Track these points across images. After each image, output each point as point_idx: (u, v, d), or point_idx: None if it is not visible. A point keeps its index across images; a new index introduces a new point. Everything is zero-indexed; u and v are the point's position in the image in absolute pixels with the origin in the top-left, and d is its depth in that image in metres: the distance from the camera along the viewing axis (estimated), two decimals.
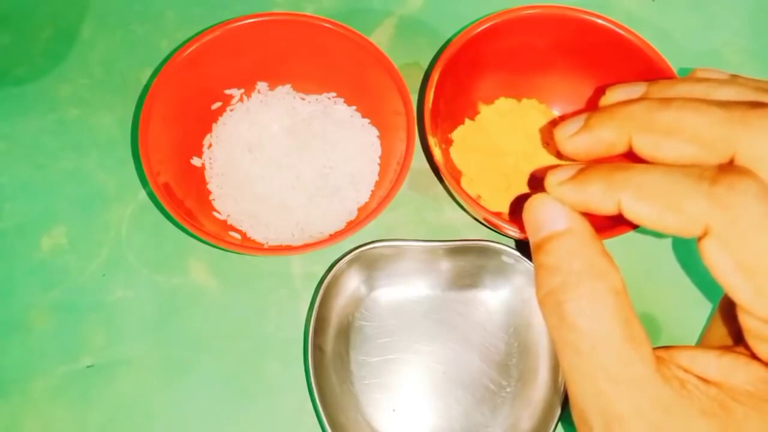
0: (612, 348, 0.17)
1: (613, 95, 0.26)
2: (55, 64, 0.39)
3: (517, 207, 0.35)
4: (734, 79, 0.22)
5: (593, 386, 0.17)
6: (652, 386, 0.17)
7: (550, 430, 0.30)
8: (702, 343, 0.21)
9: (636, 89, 0.24)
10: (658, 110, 0.20)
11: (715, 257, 0.17)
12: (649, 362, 0.17)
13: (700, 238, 0.17)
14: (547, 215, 0.20)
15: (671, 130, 0.19)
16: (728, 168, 0.17)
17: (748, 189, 0.16)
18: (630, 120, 0.21)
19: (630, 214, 0.18)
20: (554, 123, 0.36)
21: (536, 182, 0.36)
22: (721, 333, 0.21)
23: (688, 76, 0.24)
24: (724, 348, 0.19)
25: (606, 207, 0.19)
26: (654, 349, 0.18)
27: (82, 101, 0.38)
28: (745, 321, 0.18)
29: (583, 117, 0.23)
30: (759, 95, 0.20)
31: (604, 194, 0.19)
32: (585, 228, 0.19)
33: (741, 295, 0.17)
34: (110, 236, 0.35)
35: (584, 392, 0.18)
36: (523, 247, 0.34)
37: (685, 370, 0.18)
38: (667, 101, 0.20)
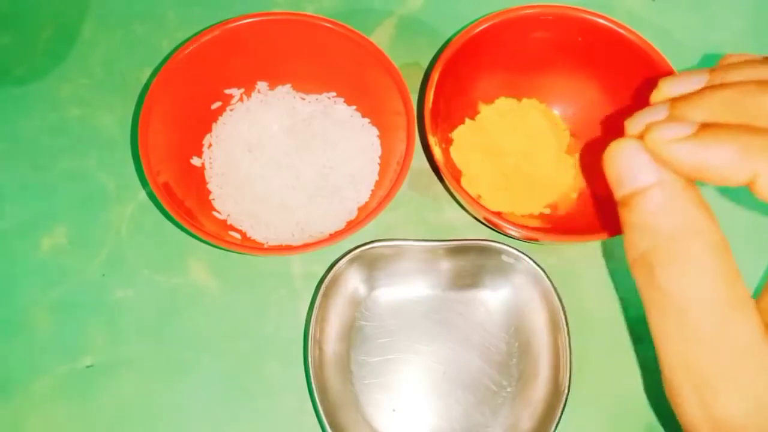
0: (711, 313, 0.15)
1: (670, 86, 0.21)
2: (56, 64, 0.39)
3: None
4: None
5: (685, 351, 0.16)
6: (758, 355, 0.15)
7: (550, 430, 0.30)
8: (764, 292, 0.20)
9: (698, 79, 0.20)
10: None
11: None
12: (755, 329, 0.15)
13: None
14: (633, 166, 0.17)
15: None
16: None
17: None
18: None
19: (766, 192, 0.16)
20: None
21: (536, 182, 0.36)
22: None
23: (741, 61, 0.20)
24: None
25: (735, 177, 0.16)
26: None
27: (82, 101, 0.38)
28: None
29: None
30: None
31: (738, 162, 0.16)
32: (676, 179, 0.17)
33: None
34: (110, 236, 0.35)
35: (674, 357, 0.16)
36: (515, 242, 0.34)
37: None
38: None
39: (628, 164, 0.17)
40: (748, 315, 0.16)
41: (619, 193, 0.18)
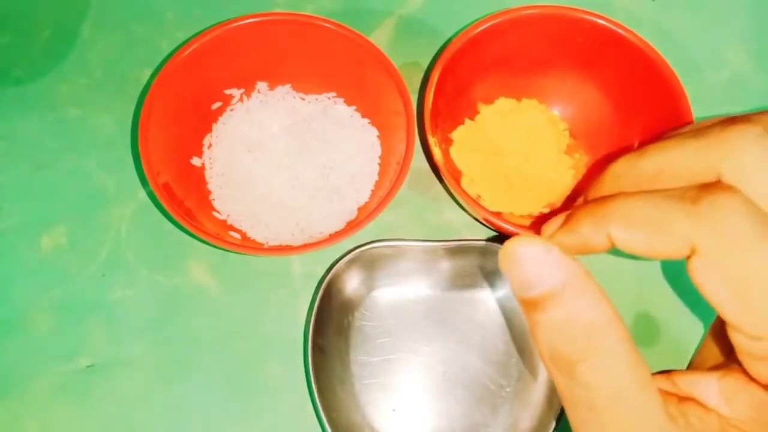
0: (628, 401, 0.17)
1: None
2: (55, 64, 0.39)
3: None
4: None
5: None
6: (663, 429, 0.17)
7: (550, 430, 0.30)
8: (695, 362, 0.21)
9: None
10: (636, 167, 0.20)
11: (702, 275, 0.17)
12: (660, 406, 0.17)
13: (688, 258, 0.17)
14: (538, 266, 0.18)
15: (654, 180, 0.19)
16: (709, 185, 0.17)
17: (731, 204, 0.16)
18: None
19: (621, 244, 0.18)
20: None
21: (536, 182, 0.36)
22: (714, 353, 0.21)
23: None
24: (723, 370, 0.19)
25: (600, 243, 0.18)
26: (654, 374, 0.18)
27: (82, 101, 0.38)
28: (735, 339, 0.17)
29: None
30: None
31: (595, 231, 0.18)
32: (583, 273, 0.18)
33: (729, 312, 0.17)
34: (110, 236, 0.35)
35: None
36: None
37: (686, 397, 0.18)
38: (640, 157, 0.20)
39: (534, 264, 0.18)
40: (655, 396, 0.17)
41: (526, 294, 0.18)
